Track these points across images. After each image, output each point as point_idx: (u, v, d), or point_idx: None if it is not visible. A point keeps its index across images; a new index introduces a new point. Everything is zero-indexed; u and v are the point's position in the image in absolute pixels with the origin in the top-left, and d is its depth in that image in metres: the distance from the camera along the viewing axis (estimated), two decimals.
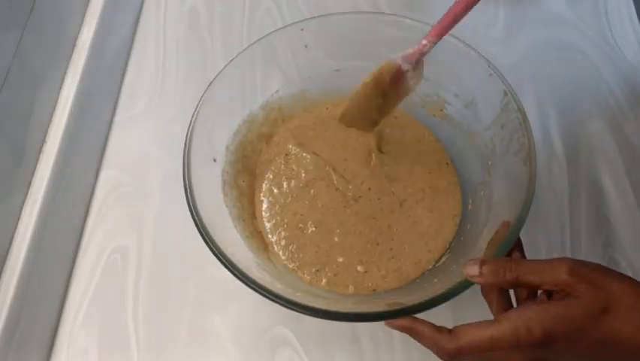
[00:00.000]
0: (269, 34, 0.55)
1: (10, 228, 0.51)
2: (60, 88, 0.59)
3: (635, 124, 0.65)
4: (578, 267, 0.36)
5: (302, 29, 0.55)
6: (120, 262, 0.58)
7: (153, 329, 0.55)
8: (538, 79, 0.68)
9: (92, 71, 0.62)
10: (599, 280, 0.35)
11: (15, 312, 0.48)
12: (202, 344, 0.54)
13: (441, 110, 0.57)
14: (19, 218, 0.52)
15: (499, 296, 0.41)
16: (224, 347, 0.54)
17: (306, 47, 0.56)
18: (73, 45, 0.62)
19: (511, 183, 0.48)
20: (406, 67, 0.50)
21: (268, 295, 0.41)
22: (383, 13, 0.64)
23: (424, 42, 0.48)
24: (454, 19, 0.47)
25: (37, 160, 0.55)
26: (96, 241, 0.60)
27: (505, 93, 0.50)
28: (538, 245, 0.58)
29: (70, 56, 0.62)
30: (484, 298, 0.42)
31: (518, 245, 0.45)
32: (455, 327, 0.38)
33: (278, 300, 0.41)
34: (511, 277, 0.38)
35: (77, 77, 0.60)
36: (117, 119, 0.68)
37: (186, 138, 0.48)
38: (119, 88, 0.70)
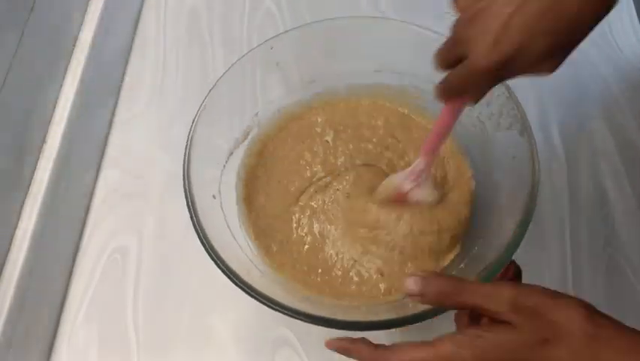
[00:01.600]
0: (271, 38, 0.55)
1: (10, 228, 0.51)
2: (60, 88, 0.59)
3: (635, 124, 0.65)
4: (521, 297, 0.34)
5: (304, 33, 0.55)
6: (120, 262, 0.58)
7: (153, 329, 0.55)
8: (539, 79, 0.68)
9: (92, 71, 0.62)
10: (542, 311, 0.33)
11: (15, 312, 0.48)
12: (202, 344, 0.54)
13: (416, 98, 0.57)
14: (19, 218, 0.52)
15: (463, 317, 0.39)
16: (224, 347, 0.54)
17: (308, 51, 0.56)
18: (73, 45, 0.62)
19: (513, 160, 0.48)
20: (405, 188, 0.49)
21: (271, 305, 0.41)
22: (387, 18, 0.64)
23: (416, 162, 0.48)
24: (439, 137, 0.45)
25: (37, 160, 0.55)
26: (96, 241, 0.60)
27: None
28: (538, 245, 0.58)
29: (70, 56, 0.62)
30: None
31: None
32: (394, 344, 0.37)
33: (283, 310, 0.41)
34: (453, 302, 0.36)
35: (77, 77, 0.60)
36: (117, 119, 0.68)
37: (186, 147, 0.48)
38: (119, 88, 0.70)
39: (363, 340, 0.38)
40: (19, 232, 0.51)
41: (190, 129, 0.49)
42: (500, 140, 0.50)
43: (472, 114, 0.52)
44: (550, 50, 0.36)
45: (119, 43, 0.71)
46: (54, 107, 0.58)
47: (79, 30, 0.63)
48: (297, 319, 0.41)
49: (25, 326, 0.50)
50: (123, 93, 0.69)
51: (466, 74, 0.38)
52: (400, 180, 0.49)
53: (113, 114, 0.68)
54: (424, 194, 0.49)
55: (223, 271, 0.42)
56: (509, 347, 0.33)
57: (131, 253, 0.59)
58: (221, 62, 0.71)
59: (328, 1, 0.75)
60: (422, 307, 0.40)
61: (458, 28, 0.38)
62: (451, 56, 0.39)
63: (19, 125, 0.53)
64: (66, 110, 0.58)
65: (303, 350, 0.53)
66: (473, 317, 0.38)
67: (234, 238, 0.49)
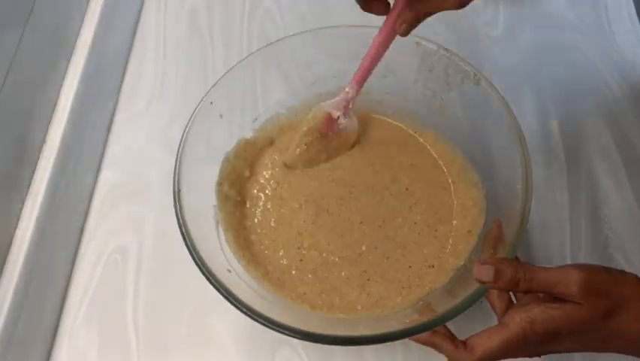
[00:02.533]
0: (271, 43, 0.55)
1: (10, 228, 0.51)
2: (60, 88, 0.59)
3: (635, 124, 0.65)
4: (590, 279, 0.37)
5: (307, 37, 0.56)
6: (120, 262, 0.58)
7: (153, 329, 0.55)
8: (538, 79, 0.68)
9: (92, 71, 0.62)
10: (609, 289, 0.37)
11: (15, 312, 0.48)
12: (202, 343, 0.54)
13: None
14: (19, 218, 0.52)
15: (499, 297, 0.43)
16: (224, 347, 0.54)
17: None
18: (74, 45, 0.62)
19: (477, 111, 0.51)
20: (335, 113, 0.54)
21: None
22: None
23: (347, 89, 0.53)
24: (370, 62, 0.51)
25: (37, 160, 0.55)
26: (96, 241, 0.60)
27: (418, 44, 0.53)
28: (538, 245, 0.58)
29: (70, 56, 0.62)
30: (487, 299, 0.43)
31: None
32: (468, 340, 0.40)
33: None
34: (525, 287, 0.39)
35: (77, 77, 0.60)
36: (117, 119, 0.68)
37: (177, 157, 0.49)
38: (119, 88, 0.70)
39: (443, 335, 0.41)
40: (19, 233, 0.51)
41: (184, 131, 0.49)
42: (458, 98, 0.53)
43: (418, 85, 0.55)
44: None
45: (119, 43, 0.71)
46: (54, 107, 0.58)
47: (79, 30, 0.63)
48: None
49: (25, 326, 0.50)
50: (123, 93, 0.69)
51: None
52: (331, 107, 0.54)
53: (113, 114, 0.68)
54: (350, 123, 0.55)
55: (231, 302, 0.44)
56: (577, 321, 0.37)
57: (131, 253, 0.59)
58: (221, 62, 0.71)
59: (328, 1, 0.75)
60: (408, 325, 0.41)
61: None
62: None
63: (19, 125, 0.53)
64: (66, 110, 0.58)
65: (303, 350, 0.53)
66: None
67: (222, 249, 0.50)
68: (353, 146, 0.57)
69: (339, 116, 0.54)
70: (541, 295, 0.40)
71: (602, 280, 0.38)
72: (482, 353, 0.39)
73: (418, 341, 0.42)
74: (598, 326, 0.37)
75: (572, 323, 0.37)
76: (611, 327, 0.37)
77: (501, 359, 0.39)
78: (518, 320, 0.38)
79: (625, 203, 0.60)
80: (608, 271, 0.38)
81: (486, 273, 0.39)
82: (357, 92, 0.53)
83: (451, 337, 0.41)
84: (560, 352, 0.39)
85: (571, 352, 0.39)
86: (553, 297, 0.39)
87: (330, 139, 0.56)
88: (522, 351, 0.39)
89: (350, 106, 0.54)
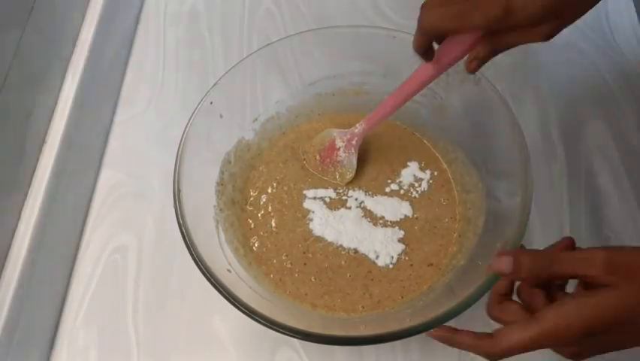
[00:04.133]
0: (271, 43, 0.55)
1: (10, 227, 0.51)
2: (60, 88, 0.59)
3: (635, 123, 0.65)
4: (614, 258, 0.35)
5: (306, 37, 0.56)
6: (120, 262, 0.58)
7: (153, 329, 0.55)
8: (539, 79, 0.68)
9: (92, 71, 0.62)
10: (637, 268, 0.34)
11: (15, 312, 0.48)
12: (202, 343, 0.54)
13: (357, 93, 0.59)
14: (19, 218, 0.52)
15: (513, 310, 0.40)
16: (224, 347, 0.54)
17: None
18: (74, 45, 0.62)
19: (477, 111, 0.51)
20: (338, 143, 0.55)
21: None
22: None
23: (357, 125, 0.54)
24: (384, 115, 0.52)
25: (37, 160, 0.55)
26: (96, 241, 0.60)
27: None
28: (538, 245, 0.57)
29: (70, 56, 0.62)
30: (494, 317, 0.41)
31: None
32: (495, 330, 0.37)
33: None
34: (547, 272, 0.37)
35: (77, 77, 0.60)
36: (117, 119, 0.68)
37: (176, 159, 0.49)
38: (119, 88, 0.70)
39: (463, 330, 0.39)
40: (19, 232, 0.51)
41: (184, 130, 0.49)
42: (458, 98, 0.53)
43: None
44: (546, 11, 0.37)
45: (119, 43, 0.71)
46: (54, 107, 0.58)
47: (79, 30, 0.63)
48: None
49: (25, 326, 0.50)
50: (123, 93, 0.69)
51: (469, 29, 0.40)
52: (338, 135, 0.56)
53: (113, 114, 0.68)
54: (347, 159, 0.55)
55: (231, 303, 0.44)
56: (613, 310, 0.34)
57: (131, 253, 0.59)
58: (222, 62, 0.71)
59: (328, 1, 0.75)
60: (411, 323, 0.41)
61: None
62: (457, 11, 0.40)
63: (19, 125, 0.53)
64: (66, 110, 0.58)
65: (303, 350, 0.53)
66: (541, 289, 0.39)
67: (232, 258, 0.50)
68: (346, 183, 0.56)
69: (340, 147, 0.55)
70: (575, 289, 0.38)
71: (629, 256, 0.35)
72: (508, 346, 0.36)
73: (438, 340, 0.40)
74: (633, 315, 0.34)
75: (606, 311, 0.34)
76: None
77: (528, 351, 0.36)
78: (551, 316, 0.35)
79: (625, 203, 0.60)
80: (638, 250, 0.35)
81: (505, 264, 0.37)
82: (365, 130, 0.54)
83: (472, 332, 0.39)
84: (606, 351, 0.36)
85: (621, 349, 0.36)
86: (585, 287, 0.37)
87: (327, 165, 0.56)
88: (558, 349, 0.37)
89: (354, 142, 0.55)
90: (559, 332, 0.35)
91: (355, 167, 0.55)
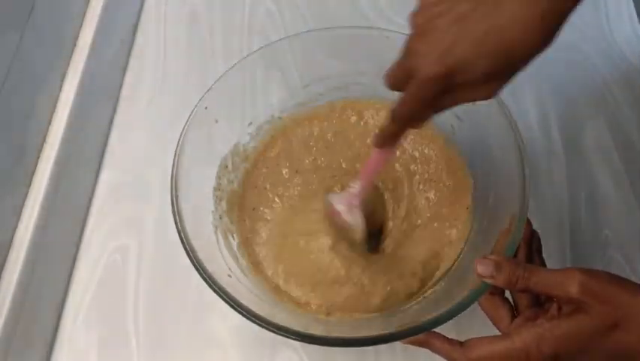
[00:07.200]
0: (270, 44, 0.55)
1: (10, 227, 0.51)
2: (60, 88, 0.59)
3: (635, 123, 0.65)
4: (590, 281, 0.36)
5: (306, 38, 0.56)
6: (120, 262, 0.58)
7: (153, 329, 0.55)
8: (539, 79, 0.68)
9: (92, 71, 0.62)
10: (611, 295, 0.36)
11: (15, 312, 0.48)
12: (202, 344, 0.54)
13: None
14: (19, 218, 0.52)
15: (502, 308, 0.42)
16: (224, 347, 0.54)
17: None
18: (74, 45, 0.62)
19: (476, 111, 0.49)
20: (338, 207, 0.51)
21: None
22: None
23: (351, 185, 0.50)
24: (375, 170, 0.49)
25: (37, 160, 0.55)
26: (96, 241, 0.60)
27: None
28: None
29: (70, 56, 0.62)
30: (483, 309, 0.43)
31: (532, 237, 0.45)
32: (467, 340, 0.39)
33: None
34: (523, 285, 0.38)
35: (77, 77, 0.60)
36: (117, 119, 0.68)
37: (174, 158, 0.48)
38: (119, 88, 0.70)
39: (438, 334, 0.40)
40: (19, 232, 0.51)
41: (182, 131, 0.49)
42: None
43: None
44: (490, 72, 0.37)
45: (119, 43, 0.71)
46: (54, 107, 0.58)
47: (79, 30, 0.63)
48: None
49: (25, 327, 0.50)
50: (123, 93, 0.69)
51: (413, 90, 0.39)
52: (336, 201, 0.51)
53: (113, 114, 0.68)
54: (352, 219, 0.51)
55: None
56: (585, 334, 0.35)
57: (131, 253, 0.59)
58: (221, 62, 0.71)
59: (328, 1, 0.75)
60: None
61: (410, 43, 0.39)
62: (400, 71, 0.40)
63: (19, 125, 0.53)
64: (66, 110, 0.58)
65: (303, 351, 0.53)
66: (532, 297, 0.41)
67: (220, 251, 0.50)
68: (360, 240, 0.53)
69: (341, 211, 0.51)
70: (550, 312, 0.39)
71: (603, 283, 0.36)
72: (477, 357, 0.38)
73: (410, 342, 0.41)
74: (602, 341, 0.35)
75: (579, 336, 0.35)
76: (616, 342, 0.35)
77: None
78: (524, 334, 0.37)
79: (625, 203, 0.60)
80: (614, 277, 0.37)
81: (486, 268, 0.39)
82: (363, 189, 0.50)
83: (446, 337, 0.40)
84: None
85: None
86: (559, 306, 0.38)
87: (338, 224, 0.53)
88: None
89: (354, 202, 0.51)
90: (529, 352, 0.36)
91: (361, 225, 0.52)
